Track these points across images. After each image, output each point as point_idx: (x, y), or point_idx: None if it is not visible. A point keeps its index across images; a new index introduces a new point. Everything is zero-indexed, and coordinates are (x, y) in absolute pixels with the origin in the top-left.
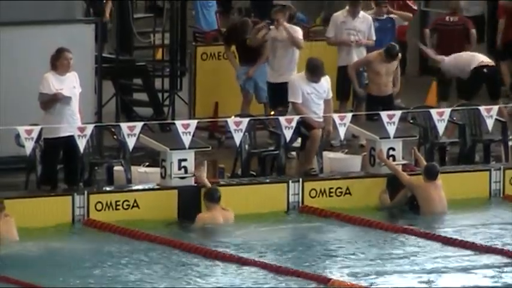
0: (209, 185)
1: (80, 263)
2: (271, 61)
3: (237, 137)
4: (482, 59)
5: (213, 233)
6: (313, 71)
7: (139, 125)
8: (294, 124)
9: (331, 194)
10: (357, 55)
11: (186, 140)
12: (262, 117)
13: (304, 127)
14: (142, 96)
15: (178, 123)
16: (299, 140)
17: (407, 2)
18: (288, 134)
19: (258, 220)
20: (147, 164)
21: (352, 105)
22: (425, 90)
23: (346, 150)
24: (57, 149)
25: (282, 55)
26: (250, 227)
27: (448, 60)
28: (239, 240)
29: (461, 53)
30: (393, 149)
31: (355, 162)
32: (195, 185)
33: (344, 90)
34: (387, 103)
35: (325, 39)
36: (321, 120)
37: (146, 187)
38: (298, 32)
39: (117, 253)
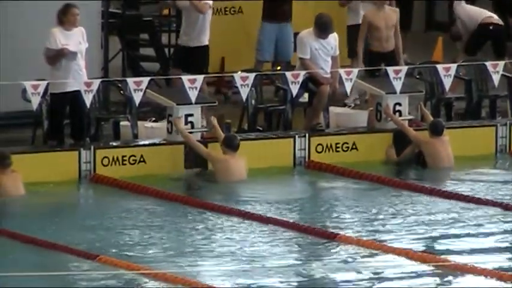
0: (222, 135)
1: (86, 218)
2: (183, 25)
3: (244, 92)
4: (489, 15)
5: (219, 188)
6: (322, 27)
7: (145, 80)
8: (300, 79)
9: (338, 149)
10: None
11: (193, 95)
12: (269, 72)
13: (312, 83)
14: (149, 52)
15: (185, 78)
16: (305, 95)
17: None
18: (294, 89)
19: (265, 175)
20: (153, 119)
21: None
22: (431, 45)
23: (353, 105)
24: (64, 104)
25: (191, 20)
26: (257, 182)
27: (463, 11)
28: (245, 196)
29: (470, 6)
30: (399, 104)
31: (361, 117)
32: (202, 139)
33: (355, 49)
34: (389, 59)
35: None
36: (329, 76)
37: (152, 142)
38: None
39: (124, 208)
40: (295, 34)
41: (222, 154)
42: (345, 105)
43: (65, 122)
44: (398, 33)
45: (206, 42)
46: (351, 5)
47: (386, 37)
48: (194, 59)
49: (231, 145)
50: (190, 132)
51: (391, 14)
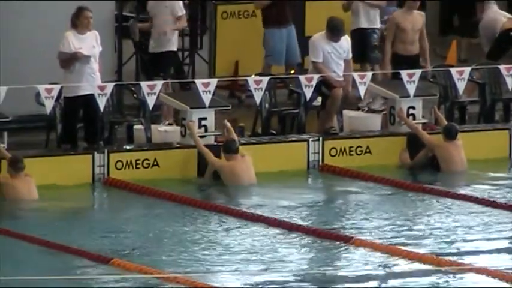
0: (236, 138)
1: (100, 222)
2: (153, 31)
3: (257, 96)
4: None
5: (232, 192)
6: (333, 30)
7: (159, 83)
8: (313, 83)
9: (351, 153)
10: (367, 18)
11: (206, 98)
12: (283, 75)
13: (325, 86)
14: None
15: (199, 82)
16: (319, 98)
17: None
18: (307, 92)
19: (278, 179)
20: (168, 122)
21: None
22: (445, 48)
23: (366, 109)
24: (77, 108)
25: (161, 25)
26: (270, 186)
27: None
28: (258, 199)
29: (496, 9)
30: (413, 108)
31: (375, 120)
32: (216, 143)
33: (360, 53)
34: (413, 63)
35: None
36: (342, 79)
37: (166, 146)
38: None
39: (137, 212)
40: (307, 38)
41: (226, 161)
42: (358, 108)
43: (79, 125)
44: (425, 36)
45: (173, 48)
46: (353, 8)
47: (412, 40)
48: (160, 64)
49: (230, 149)
50: (204, 136)
51: (418, 17)
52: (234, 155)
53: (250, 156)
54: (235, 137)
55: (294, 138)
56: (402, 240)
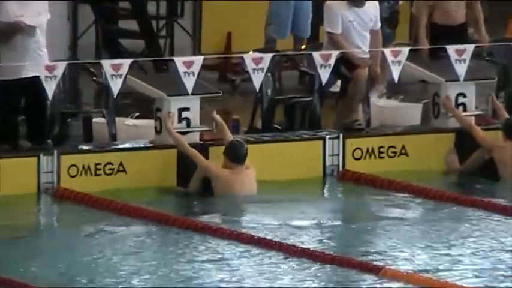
0: (230, 136)
1: (47, 245)
2: None
3: (257, 79)
4: None
5: (224, 207)
6: None
7: (126, 62)
8: (331, 62)
9: (382, 155)
10: None
11: (189, 82)
12: (290, 52)
13: (346, 66)
14: (131, 25)
15: (179, 61)
16: (338, 82)
17: None
18: (324, 74)
19: (284, 190)
20: (137, 114)
21: None
22: (505, 19)
23: (402, 96)
24: (18, 95)
25: None
26: (274, 199)
27: None
28: (259, 217)
29: None
30: (464, 96)
31: (413, 112)
32: (201, 142)
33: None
34: (456, 35)
35: None
36: (367, 56)
37: (136, 145)
38: None
39: (97, 234)
40: (322, 2)
41: (223, 167)
42: (390, 96)
43: (20, 118)
44: (478, 2)
45: None
46: None
47: (456, 7)
48: None
49: (235, 157)
50: (185, 133)
51: None
52: (239, 165)
53: (254, 169)
54: (229, 133)
55: (305, 136)
56: (448, 270)
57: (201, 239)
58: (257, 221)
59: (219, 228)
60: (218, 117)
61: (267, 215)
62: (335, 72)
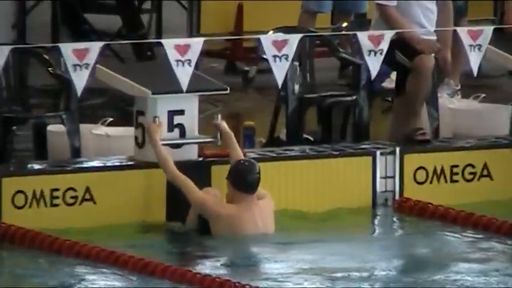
0: (239, 153)
1: None
2: None
3: (279, 71)
4: None
5: (231, 251)
6: None
7: (95, 47)
8: (384, 46)
9: (455, 178)
10: None
11: (184, 75)
12: (326, 33)
13: (403, 51)
14: None
15: (169, 45)
16: (393, 76)
17: None
18: (374, 64)
19: (316, 227)
20: (111, 120)
21: None
22: None
23: (483, 95)
24: None
25: None
26: (299, 242)
27: None
28: (278, 266)
29: None
30: None
31: (499, 116)
32: (201, 158)
33: None
34: None
35: None
36: (434, 38)
37: (109, 164)
38: None
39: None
40: None
41: (227, 199)
42: (467, 94)
43: None
44: None
45: None
46: None
47: None
48: None
49: (243, 184)
50: (178, 146)
51: None
52: (250, 195)
53: (272, 199)
54: (237, 148)
55: (347, 151)
56: None
57: None
58: (276, 271)
59: (225, 281)
60: (224, 124)
61: (290, 262)
62: (389, 61)
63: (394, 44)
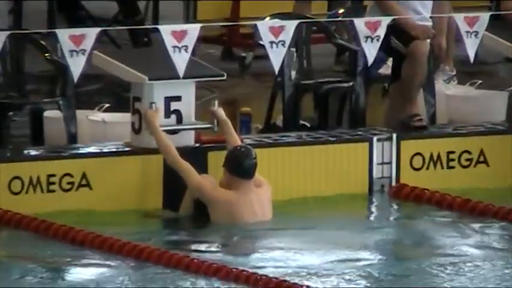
0: (236, 139)
1: None
2: None
3: (276, 57)
4: None
5: (227, 237)
6: None
7: (92, 33)
8: (381, 32)
9: (452, 164)
10: None
11: (181, 61)
12: (323, 19)
13: (398, 37)
14: None
15: (166, 31)
16: (390, 62)
17: None
18: (370, 50)
19: (312, 213)
20: (107, 106)
21: None
22: None
23: (479, 81)
24: None
25: None
26: (296, 228)
27: None
28: (275, 252)
29: None
30: None
31: (495, 103)
32: (197, 145)
33: None
34: None
35: None
36: (429, 24)
37: (105, 150)
38: None
39: (52, 270)
40: None
41: (223, 186)
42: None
43: None
44: None
45: None
46: None
47: None
48: None
49: (239, 170)
50: (174, 132)
51: None
52: (246, 181)
53: (269, 186)
54: (234, 135)
55: (344, 137)
56: None
57: (195, 281)
58: (272, 257)
59: (220, 266)
60: (221, 110)
61: (286, 249)
62: (384, 47)
63: (389, 29)
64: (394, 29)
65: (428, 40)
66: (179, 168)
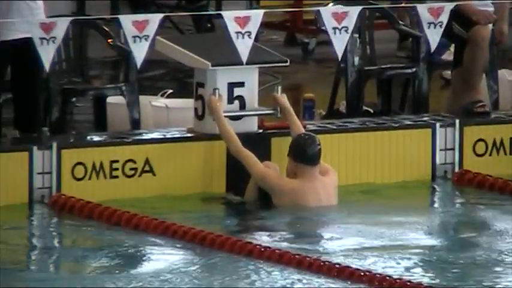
0: (299, 126)
1: (39, 278)
2: None
3: (339, 43)
4: None
5: (292, 224)
6: None
7: (155, 19)
8: (445, 18)
9: None
10: None
11: (244, 47)
12: (385, 5)
13: (460, 23)
14: None
15: (229, 17)
16: (452, 47)
17: None
18: (434, 36)
19: (376, 200)
20: (170, 92)
21: None
22: None
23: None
24: (0, 64)
25: None
26: (360, 214)
27: None
28: (340, 239)
29: None
30: None
31: None
32: (261, 131)
33: None
34: None
35: None
36: (491, 9)
37: (168, 136)
38: None
39: (117, 262)
40: None
41: (288, 174)
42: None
43: (3, 98)
44: None
45: None
46: None
47: None
48: None
49: (304, 157)
50: (238, 118)
51: None
52: (312, 167)
53: (335, 173)
54: (297, 122)
55: (407, 123)
56: None
57: (259, 267)
58: (338, 243)
59: (285, 252)
60: (284, 97)
61: (352, 235)
62: (446, 33)
63: (451, 15)
64: (456, 14)
65: (490, 25)
66: (241, 157)
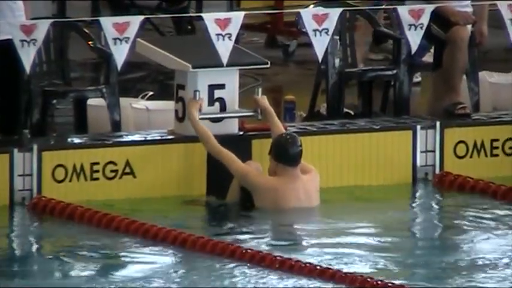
0: (280, 128)
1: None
2: None
3: (320, 45)
4: None
5: (273, 225)
6: None
7: (136, 21)
8: (425, 20)
9: (495, 152)
10: None
11: (224, 49)
12: (366, 7)
13: (439, 24)
14: None
15: (210, 19)
16: (432, 50)
17: None
18: (414, 38)
19: (357, 201)
20: (151, 93)
21: None
22: None
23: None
24: None
25: None
26: (342, 216)
27: None
28: (322, 240)
29: None
30: None
31: None
32: (241, 132)
33: None
34: None
35: None
36: (470, 10)
37: (149, 138)
38: None
39: (96, 263)
40: None
41: (270, 174)
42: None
43: None
44: None
45: None
46: None
47: None
48: None
49: (285, 157)
50: (218, 120)
51: None
52: (293, 168)
53: (317, 173)
54: (278, 123)
55: (388, 125)
56: None
57: (241, 269)
58: (319, 245)
59: (266, 254)
60: (264, 99)
61: (333, 237)
62: (426, 34)
63: (432, 17)
64: (435, 15)
65: (469, 26)
66: (221, 157)
